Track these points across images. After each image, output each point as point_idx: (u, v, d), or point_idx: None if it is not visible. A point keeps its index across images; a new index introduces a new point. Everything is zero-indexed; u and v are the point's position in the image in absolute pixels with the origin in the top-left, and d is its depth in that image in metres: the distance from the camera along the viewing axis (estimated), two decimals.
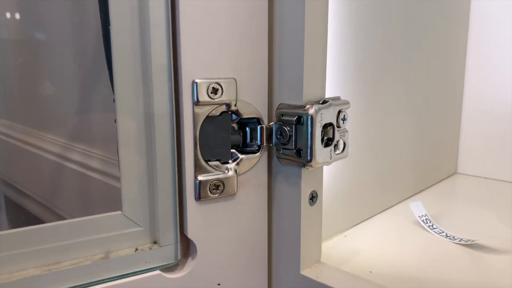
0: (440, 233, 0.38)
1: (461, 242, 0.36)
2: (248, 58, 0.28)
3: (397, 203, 0.47)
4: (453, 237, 0.37)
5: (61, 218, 0.50)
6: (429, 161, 0.53)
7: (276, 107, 0.29)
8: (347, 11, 0.35)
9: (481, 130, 0.57)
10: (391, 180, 0.45)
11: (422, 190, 0.52)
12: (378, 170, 0.43)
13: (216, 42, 0.26)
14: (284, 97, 0.29)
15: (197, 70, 0.26)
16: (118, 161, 0.26)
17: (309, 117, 0.27)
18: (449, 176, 0.58)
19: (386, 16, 0.40)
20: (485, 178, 0.57)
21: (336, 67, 0.35)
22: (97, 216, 0.25)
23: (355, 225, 0.40)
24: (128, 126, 0.25)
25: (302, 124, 0.27)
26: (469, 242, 0.36)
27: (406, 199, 0.49)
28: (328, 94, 0.30)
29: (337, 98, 0.29)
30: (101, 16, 0.28)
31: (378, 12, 0.39)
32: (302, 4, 0.27)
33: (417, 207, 0.41)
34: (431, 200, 0.48)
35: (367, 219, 0.42)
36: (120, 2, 0.24)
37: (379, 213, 0.44)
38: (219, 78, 0.26)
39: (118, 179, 0.41)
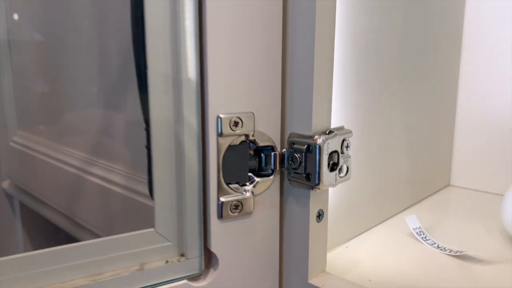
0: (432, 244, 0.42)
1: (451, 253, 0.40)
2: (264, 93, 0.32)
3: (394, 215, 0.51)
4: (444, 248, 0.41)
5: (82, 227, 0.53)
6: (423, 174, 0.57)
7: (288, 136, 0.33)
8: (348, 42, 0.39)
9: (473, 145, 0.61)
10: (388, 193, 0.49)
11: (417, 202, 0.56)
12: (376, 185, 0.47)
13: (238, 81, 0.30)
14: (295, 127, 0.33)
15: (221, 106, 0.30)
16: (152, 184, 0.30)
17: (317, 146, 0.31)
18: (442, 188, 0.62)
19: (384, 41, 0.44)
20: (475, 190, 0.61)
21: (339, 86, 0.39)
22: (133, 233, 0.29)
23: (355, 237, 0.44)
24: (161, 155, 0.29)
25: (311, 152, 0.31)
26: (458, 253, 0.40)
27: (403, 211, 0.53)
28: (332, 112, 0.34)
29: (341, 128, 0.33)
30: (135, 56, 0.32)
31: (377, 39, 0.43)
32: (312, 47, 0.31)
33: (411, 220, 0.45)
34: (425, 212, 0.52)
35: (366, 230, 0.46)
36: (156, 50, 0.28)
37: (377, 225, 0.47)
38: (240, 113, 0.30)
39: (138, 193, 0.44)
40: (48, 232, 0.81)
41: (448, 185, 0.63)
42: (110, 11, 0.49)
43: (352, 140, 0.34)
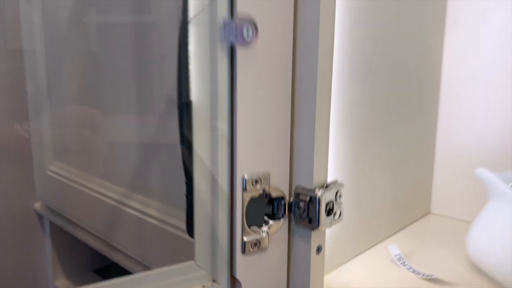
0: (409, 268, 0.52)
1: (423, 277, 0.50)
2: (277, 157, 0.41)
3: (380, 242, 0.61)
4: (418, 272, 0.51)
5: (120, 252, 0.63)
6: (406, 204, 0.66)
7: (295, 188, 0.43)
8: (343, 105, 0.49)
9: (451, 176, 0.71)
10: (375, 224, 0.59)
11: (401, 229, 0.66)
12: (364, 218, 0.56)
13: (259, 148, 0.40)
14: (300, 181, 0.42)
15: (245, 168, 0.39)
16: (191, 225, 0.40)
17: (318, 198, 0.41)
18: (423, 216, 0.72)
19: (372, 96, 0.54)
20: (451, 218, 0.71)
21: (334, 136, 0.49)
22: (179, 265, 0.39)
23: (347, 262, 0.54)
24: (200, 204, 0.39)
25: (313, 202, 0.41)
26: (428, 277, 0.50)
27: (388, 237, 0.62)
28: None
29: (336, 182, 0.43)
30: (180, 124, 0.42)
31: (366, 94, 0.53)
32: (312, 122, 0.40)
33: (393, 248, 0.55)
34: (406, 239, 0.62)
35: (356, 256, 0.55)
36: (200, 126, 0.38)
37: (365, 251, 0.57)
38: (259, 172, 0.40)
39: (170, 224, 0.54)
40: (74, 247, 0.91)
41: (429, 213, 0.73)
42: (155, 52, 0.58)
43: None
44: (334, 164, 0.50)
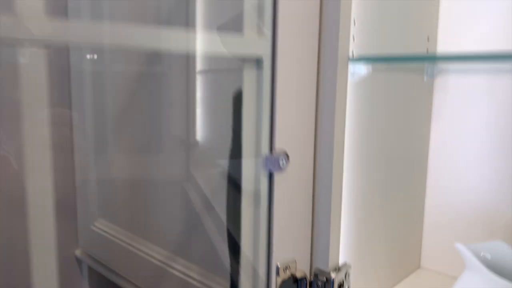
0: None
1: None
2: (301, 246, 0.54)
3: None
4: None
5: None
6: (399, 262, 0.79)
7: (314, 269, 0.56)
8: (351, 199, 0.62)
9: (441, 233, 0.84)
10: (371, 283, 0.72)
11: (395, 285, 0.78)
12: (364, 280, 0.69)
13: (288, 241, 0.53)
14: (318, 264, 0.55)
15: (279, 258, 0.52)
16: None
17: (332, 280, 0.53)
18: (414, 271, 0.85)
19: (373, 173, 0.68)
20: (437, 272, 0.84)
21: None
22: None
23: None
24: (244, 286, 0.52)
25: (328, 282, 0.54)
26: None
27: None
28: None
29: (345, 264, 0.56)
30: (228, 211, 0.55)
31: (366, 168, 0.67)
32: (328, 224, 0.54)
33: None
34: None
35: None
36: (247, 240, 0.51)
37: None
38: (288, 260, 0.53)
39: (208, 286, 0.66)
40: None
41: (419, 267, 0.86)
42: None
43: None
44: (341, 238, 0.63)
